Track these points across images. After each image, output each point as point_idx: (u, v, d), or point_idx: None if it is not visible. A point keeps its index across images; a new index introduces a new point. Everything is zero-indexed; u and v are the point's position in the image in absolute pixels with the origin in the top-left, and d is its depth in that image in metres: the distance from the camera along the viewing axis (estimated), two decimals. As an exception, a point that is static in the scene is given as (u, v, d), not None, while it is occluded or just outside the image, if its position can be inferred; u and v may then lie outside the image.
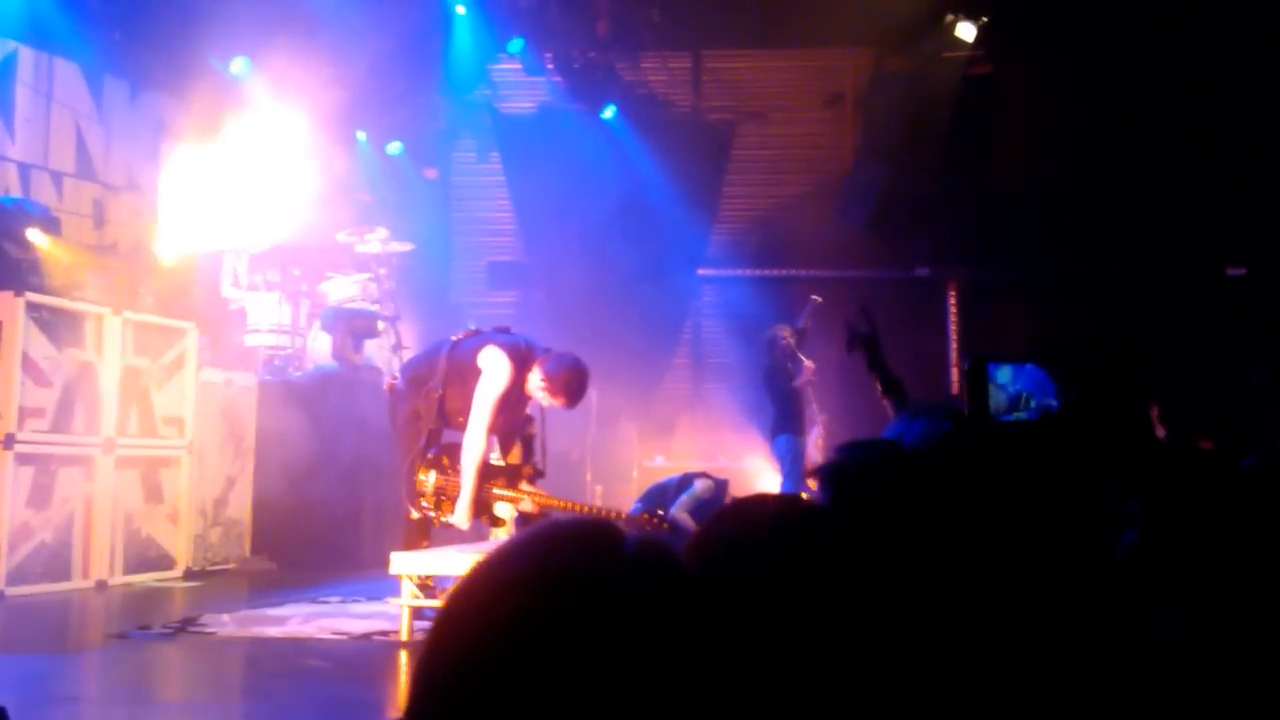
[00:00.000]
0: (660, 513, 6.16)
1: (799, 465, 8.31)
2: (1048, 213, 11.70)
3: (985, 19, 10.74)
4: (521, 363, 5.71)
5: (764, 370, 8.92)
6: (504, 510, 5.84)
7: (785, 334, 8.95)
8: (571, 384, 5.70)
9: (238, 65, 9.29)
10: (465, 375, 5.72)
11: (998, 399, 1.90)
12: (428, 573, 4.93)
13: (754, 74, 11.83)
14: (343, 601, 6.34)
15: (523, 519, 6.01)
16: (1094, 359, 2.22)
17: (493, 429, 5.66)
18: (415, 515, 5.77)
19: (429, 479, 5.72)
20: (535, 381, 5.69)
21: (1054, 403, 1.83)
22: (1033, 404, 1.85)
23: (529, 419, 6.10)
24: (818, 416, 9.43)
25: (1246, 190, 11.72)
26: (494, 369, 5.64)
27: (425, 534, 5.74)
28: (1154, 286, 11.49)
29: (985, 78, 11.35)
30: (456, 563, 4.93)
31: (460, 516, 5.63)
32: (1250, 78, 11.40)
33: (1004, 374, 1.97)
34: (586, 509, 6.13)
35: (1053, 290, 11.65)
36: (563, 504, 5.83)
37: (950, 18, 10.70)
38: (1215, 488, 2.25)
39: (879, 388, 3.22)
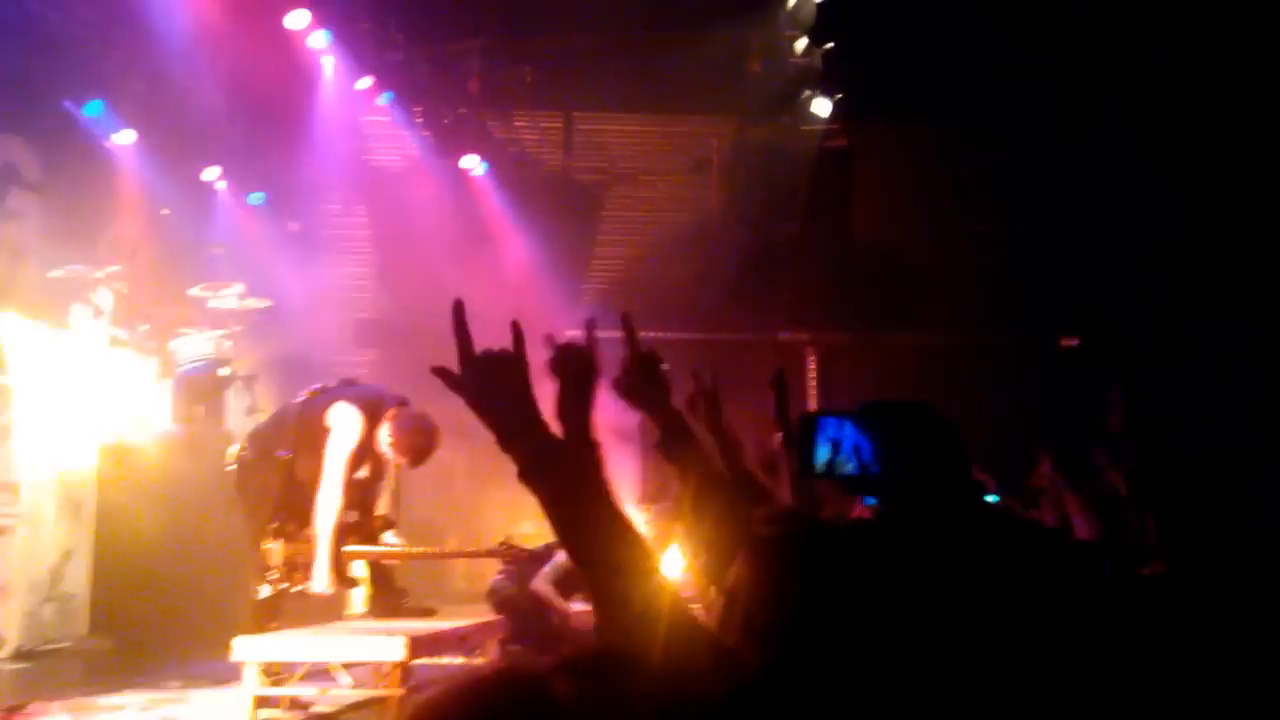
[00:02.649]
0: (505, 543, 5.94)
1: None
2: (900, 280, 12.18)
3: (840, 95, 11.19)
4: (373, 415, 5.61)
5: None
6: (359, 569, 5.73)
7: None
8: (418, 446, 5.63)
9: (93, 109, 8.96)
10: (315, 436, 5.58)
11: (821, 454, 1.99)
12: (273, 659, 4.76)
13: (624, 137, 12.04)
14: (184, 687, 6.07)
15: (379, 574, 5.89)
16: (905, 419, 2.34)
17: (348, 487, 5.52)
18: (265, 594, 5.56)
19: (275, 549, 5.54)
20: (384, 438, 5.60)
21: (870, 460, 1.95)
22: (849, 466, 1.97)
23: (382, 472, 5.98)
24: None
25: (1082, 261, 12.43)
26: (344, 425, 5.52)
27: (274, 614, 5.54)
28: (996, 354, 12.06)
29: (840, 150, 11.80)
30: (304, 648, 4.77)
31: (320, 582, 5.45)
32: (1088, 151, 12.14)
33: (829, 429, 2.01)
34: (441, 553, 6.03)
35: (906, 355, 12.11)
36: (417, 552, 5.74)
37: (807, 93, 11.12)
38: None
39: (780, 437, 3.25)
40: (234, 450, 5.87)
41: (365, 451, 5.62)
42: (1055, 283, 12.51)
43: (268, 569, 5.54)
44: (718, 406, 3.11)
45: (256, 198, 10.36)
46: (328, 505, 5.44)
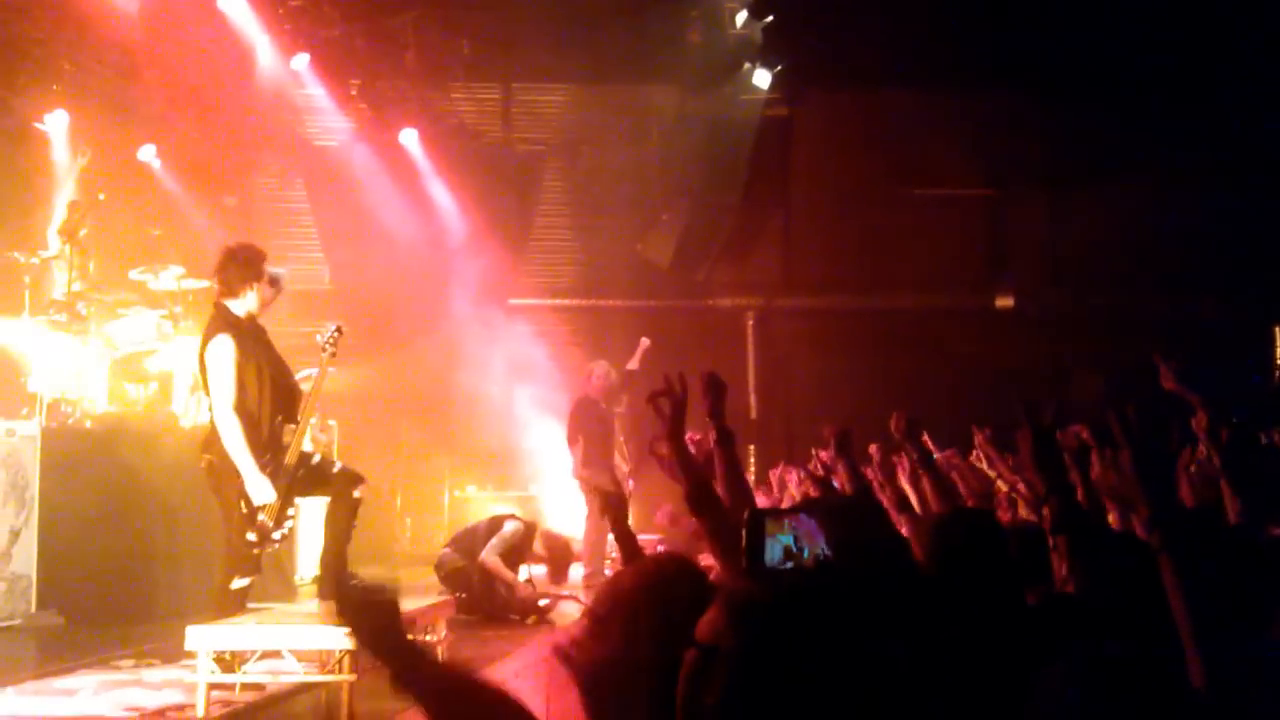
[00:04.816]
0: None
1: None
2: (836, 247, 12.43)
3: (780, 67, 11.32)
4: (234, 326, 5.51)
5: (579, 401, 9.14)
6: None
7: (610, 370, 9.22)
8: (251, 256, 5.53)
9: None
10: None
11: (774, 550, 2.04)
12: (225, 648, 4.91)
13: (563, 108, 12.08)
14: (136, 666, 6.17)
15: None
16: (859, 509, 2.44)
17: (242, 406, 5.48)
18: (237, 585, 5.58)
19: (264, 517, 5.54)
20: (248, 297, 5.50)
21: (824, 550, 2.02)
22: (805, 554, 2.03)
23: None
24: (627, 459, 9.67)
25: (1021, 224, 12.74)
26: (217, 353, 5.44)
27: (243, 605, 5.63)
28: (932, 316, 12.37)
29: (781, 120, 11.95)
30: (256, 637, 4.94)
31: (257, 490, 5.41)
32: (1022, 114, 12.41)
33: (779, 525, 2.08)
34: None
35: (843, 319, 12.39)
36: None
37: (747, 65, 11.23)
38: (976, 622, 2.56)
39: (714, 434, 3.35)
40: (203, 464, 5.83)
41: (255, 361, 5.53)
42: (991, 245, 12.81)
43: (268, 536, 5.51)
44: (682, 421, 3.22)
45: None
46: (225, 425, 5.42)
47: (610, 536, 8.16)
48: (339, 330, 5.80)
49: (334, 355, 5.81)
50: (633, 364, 9.39)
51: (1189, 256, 12.04)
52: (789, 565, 2.02)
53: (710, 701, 1.56)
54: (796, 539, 2.05)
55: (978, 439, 5.41)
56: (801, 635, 1.59)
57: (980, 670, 2.42)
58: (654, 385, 3.27)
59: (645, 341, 9.55)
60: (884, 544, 2.47)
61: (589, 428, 8.97)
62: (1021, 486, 4.87)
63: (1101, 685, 1.70)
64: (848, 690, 1.56)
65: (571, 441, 9.05)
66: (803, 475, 6.09)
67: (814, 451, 6.17)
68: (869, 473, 4.71)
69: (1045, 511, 2.95)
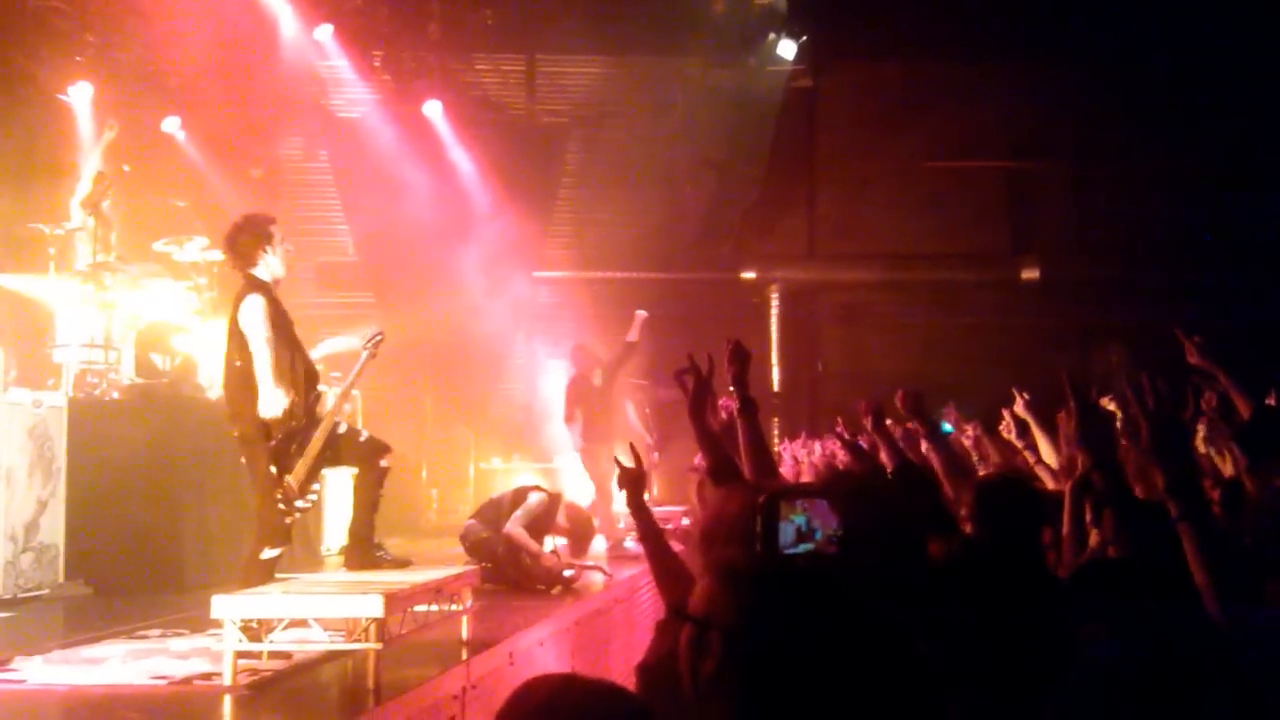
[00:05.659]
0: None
1: (609, 480, 8.55)
2: (861, 219, 12.33)
3: (805, 37, 11.21)
4: (263, 288, 5.41)
5: (573, 379, 9.15)
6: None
7: (590, 346, 9.21)
8: (255, 221, 5.43)
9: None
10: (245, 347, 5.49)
11: (786, 531, 2.06)
12: (252, 617, 4.91)
13: (586, 79, 12.01)
14: (163, 635, 6.19)
15: (358, 529, 5.95)
16: (870, 492, 2.46)
17: (282, 373, 5.43)
18: (267, 555, 5.59)
19: (289, 481, 5.52)
20: (269, 261, 5.39)
21: (837, 533, 2.06)
22: (818, 535, 2.07)
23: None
24: (650, 432, 9.63)
25: (1040, 194, 12.61)
26: (249, 309, 5.31)
27: (272, 576, 5.63)
28: (959, 289, 12.27)
29: (805, 91, 11.85)
30: (283, 606, 4.93)
31: (268, 402, 5.30)
32: (1047, 86, 12.28)
33: (792, 507, 2.12)
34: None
35: (868, 292, 12.31)
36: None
37: (772, 36, 11.14)
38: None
39: (737, 403, 3.37)
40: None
41: (280, 327, 5.44)
42: (1016, 217, 12.69)
43: (293, 501, 5.50)
44: (704, 398, 3.27)
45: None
46: (270, 403, 5.30)
47: (619, 509, 8.18)
48: (381, 335, 5.73)
49: (373, 356, 5.77)
50: (631, 336, 9.35)
51: (1214, 228, 11.89)
52: (801, 547, 2.05)
53: (706, 672, 1.58)
54: (809, 520, 2.07)
55: (1019, 404, 5.33)
56: (795, 609, 1.59)
57: (1014, 636, 2.41)
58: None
59: (642, 313, 9.49)
60: (897, 524, 2.44)
61: (585, 403, 8.98)
62: (1046, 454, 4.83)
63: (1139, 642, 1.70)
64: (842, 666, 1.56)
65: (569, 419, 9.08)
66: (823, 448, 6.04)
67: (838, 421, 6.14)
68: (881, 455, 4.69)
69: (1070, 484, 2.94)
